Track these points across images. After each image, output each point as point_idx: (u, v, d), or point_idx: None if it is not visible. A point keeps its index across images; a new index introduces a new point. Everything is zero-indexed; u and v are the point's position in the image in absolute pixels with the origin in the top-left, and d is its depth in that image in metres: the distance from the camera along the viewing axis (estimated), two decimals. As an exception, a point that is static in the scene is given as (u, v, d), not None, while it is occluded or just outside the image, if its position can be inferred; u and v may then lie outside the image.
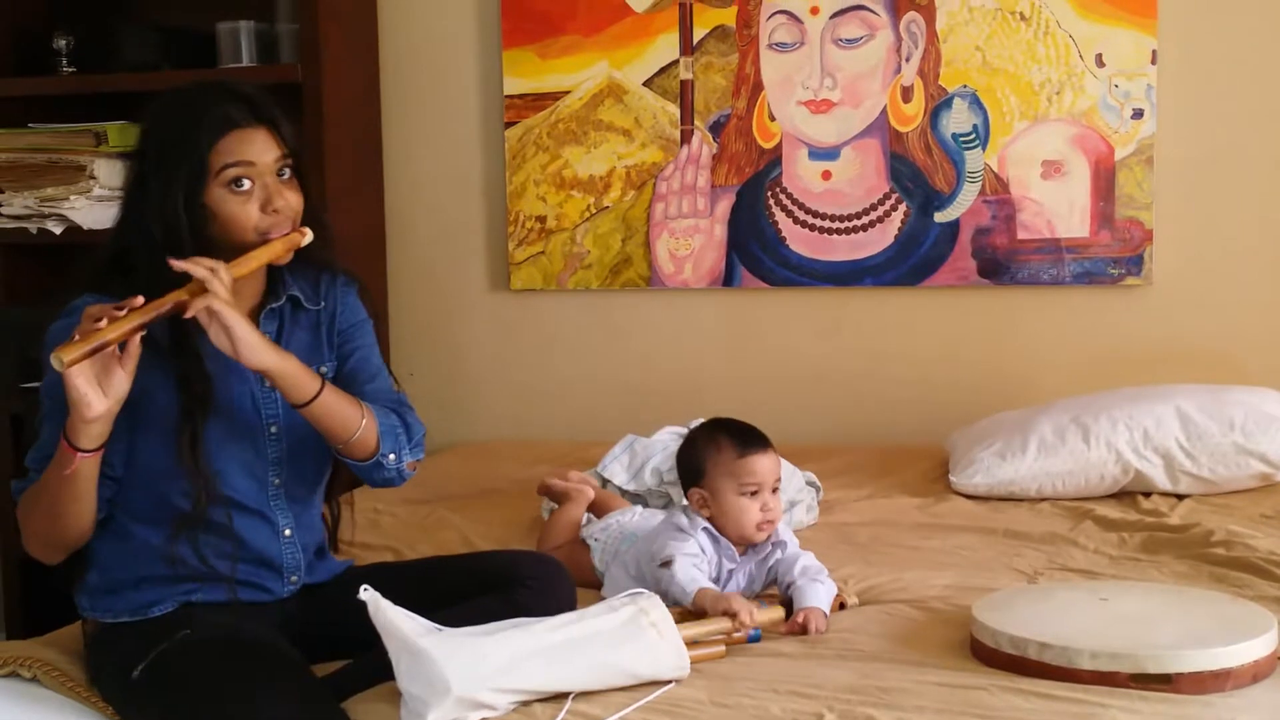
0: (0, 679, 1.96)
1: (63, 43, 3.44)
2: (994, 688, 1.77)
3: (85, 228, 3.23)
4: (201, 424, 1.91)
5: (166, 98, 1.97)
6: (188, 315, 1.83)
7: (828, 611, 2.10)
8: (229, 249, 1.91)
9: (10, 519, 3.35)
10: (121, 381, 1.80)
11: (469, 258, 3.67)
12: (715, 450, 2.19)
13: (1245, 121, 3.22)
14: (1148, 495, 2.81)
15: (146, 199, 1.90)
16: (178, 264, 1.83)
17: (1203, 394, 2.90)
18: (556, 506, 2.67)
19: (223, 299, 1.84)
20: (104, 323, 1.77)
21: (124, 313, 1.79)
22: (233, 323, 1.84)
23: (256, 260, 1.91)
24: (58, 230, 3.26)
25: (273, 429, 2.00)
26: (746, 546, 2.20)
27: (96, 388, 1.78)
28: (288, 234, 1.94)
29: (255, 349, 1.87)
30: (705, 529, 2.18)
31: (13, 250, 3.40)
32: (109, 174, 3.23)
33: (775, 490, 2.20)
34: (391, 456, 2.01)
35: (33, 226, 3.28)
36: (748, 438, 2.21)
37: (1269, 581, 2.19)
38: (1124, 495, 2.83)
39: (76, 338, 1.76)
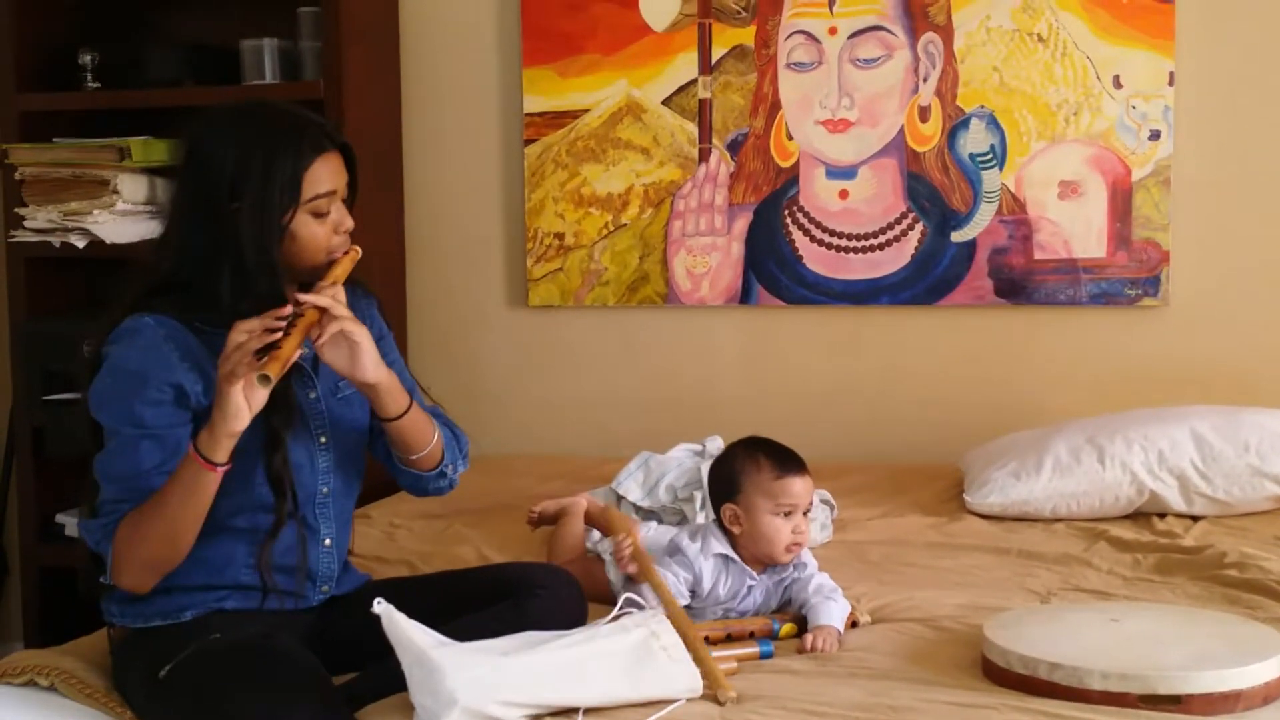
0: (18, 687, 1.98)
1: (88, 59, 3.47)
2: (1004, 707, 1.78)
3: (108, 242, 3.26)
4: (286, 433, 1.94)
5: (237, 119, 1.97)
6: (323, 337, 1.90)
7: (841, 629, 2.11)
8: (300, 269, 1.97)
9: (31, 532, 3.44)
10: (263, 395, 1.84)
11: (487, 274, 3.69)
12: (754, 468, 2.22)
13: (1263, 143, 3.22)
14: (1162, 516, 2.80)
15: (229, 221, 1.90)
16: (305, 298, 1.89)
17: (1218, 416, 2.90)
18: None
19: (348, 317, 1.91)
20: (280, 336, 1.84)
21: (285, 325, 1.85)
22: (361, 339, 1.93)
23: (339, 280, 1.97)
24: (80, 244, 3.29)
25: (322, 439, 2.04)
26: (765, 565, 2.21)
27: (247, 401, 1.82)
28: (347, 253, 2.00)
29: (376, 365, 1.97)
30: (718, 555, 2.19)
31: (35, 263, 3.43)
32: (132, 189, 3.26)
33: (806, 514, 2.22)
34: (450, 467, 2.12)
35: (56, 240, 3.31)
36: (787, 459, 2.24)
37: (1282, 604, 2.19)
38: (1138, 516, 2.82)
39: (265, 359, 1.81)
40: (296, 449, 2.00)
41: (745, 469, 2.23)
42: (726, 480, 2.25)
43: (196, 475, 1.85)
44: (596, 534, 2.60)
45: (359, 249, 2.02)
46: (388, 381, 2.00)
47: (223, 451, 1.85)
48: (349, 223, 2.00)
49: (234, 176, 1.91)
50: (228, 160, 1.92)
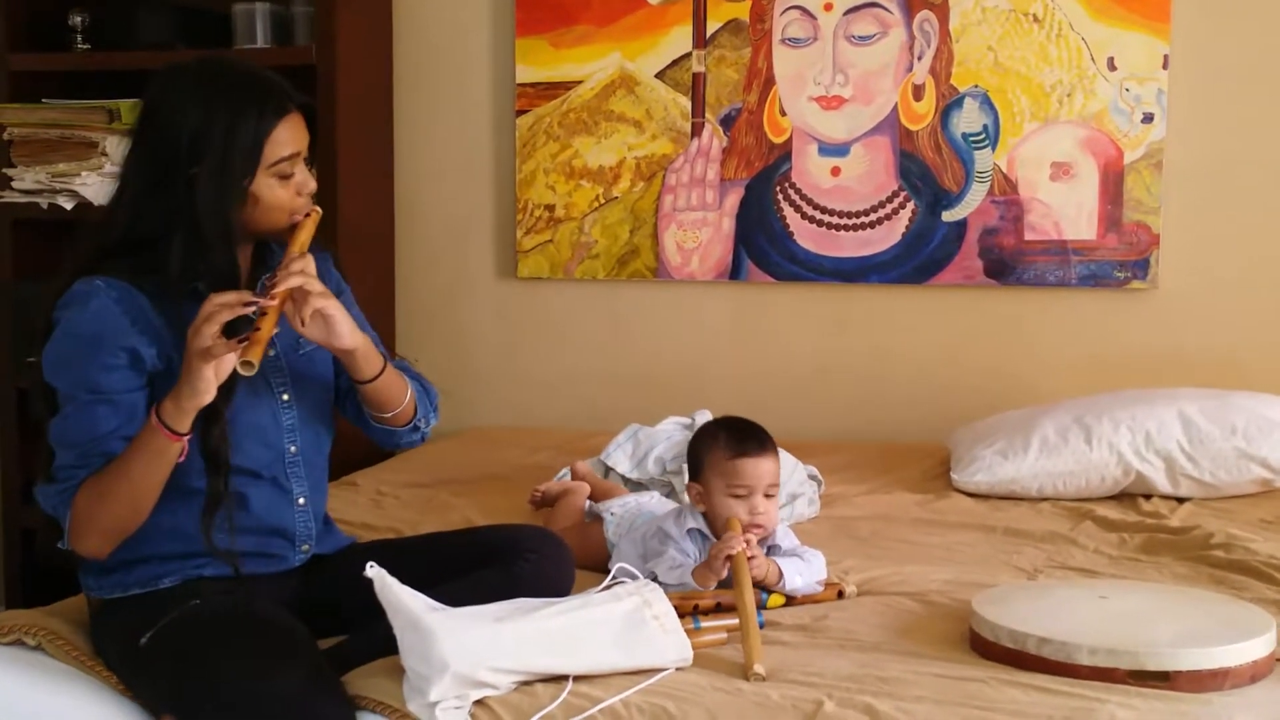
0: (4, 646, 1.97)
1: (78, 20, 3.45)
2: (993, 680, 1.78)
3: (96, 204, 3.23)
4: (225, 408, 1.91)
5: (198, 79, 1.93)
6: (304, 323, 1.90)
7: (787, 579, 2.12)
8: (261, 232, 1.96)
9: (13, 494, 3.42)
10: (229, 366, 1.82)
11: (477, 244, 3.67)
12: (712, 448, 2.21)
13: (1255, 128, 3.23)
14: (1148, 498, 2.82)
15: (187, 185, 1.87)
16: (281, 288, 1.86)
17: (1205, 398, 2.91)
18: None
19: (321, 291, 1.90)
20: (257, 314, 1.82)
21: (272, 301, 1.84)
22: (334, 311, 1.92)
23: (303, 244, 1.95)
24: (68, 206, 3.27)
25: (284, 397, 2.02)
26: None
27: (215, 375, 1.82)
28: (308, 214, 1.97)
29: (352, 331, 1.95)
30: (691, 531, 2.21)
31: (23, 225, 3.41)
32: (121, 151, 3.24)
33: (770, 495, 2.18)
34: (423, 421, 2.11)
35: (43, 201, 3.29)
36: (744, 440, 2.21)
37: (1268, 585, 2.20)
38: (1124, 497, 2.84)
39: (245, 343, 1.80)
40: (259, 408, 1.98)
41: (706, 447, 2.22)
42: (693, 458, 2.26)
43: (160, 445, 1.83)
44: (589, 504, 2.61)
45: (319, 210, 1.99)
46: (364, 346, 1.98)
47: (187, 422, 1.83)
48: (312, 184, 1.97)
49: (194, 139, 1.88)
50: (188, 122, 1.88)
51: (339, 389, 2.12)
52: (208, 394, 1.81)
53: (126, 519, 1.88)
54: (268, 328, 1.84)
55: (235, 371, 1.83)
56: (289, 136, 1.92)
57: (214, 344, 1.79)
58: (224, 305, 1.81)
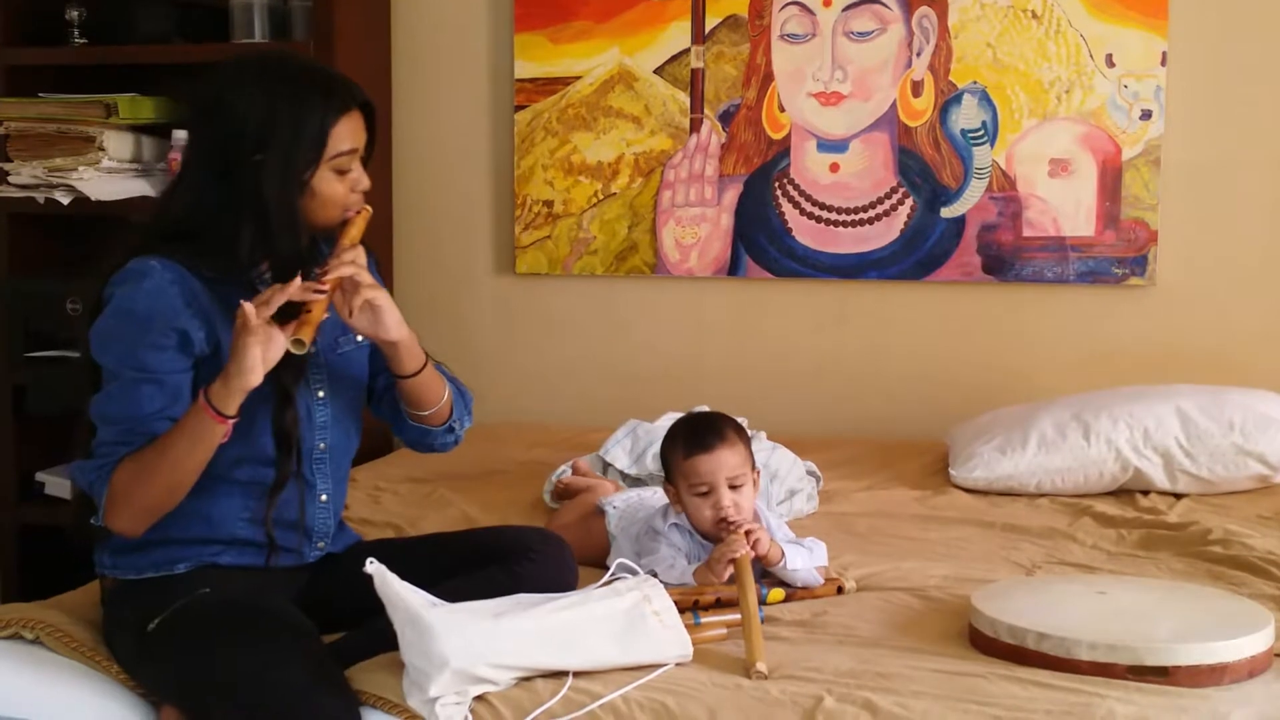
0: (3, 640, 1.97)
1: (75, 14, 3.43)
2: (992, 676, 1.79)
3: (93, 199, 3.23)
4: (295, 390, 1.94)
5: (265, 71, 1.95)
6: (353, 313, 1.94)
7: (789, 559, 2.13)
8: (317, 226, 1.98)
9: (11, 491, 3.41)
10: (279, 349, 1.85)
11: (475, 240, 3.67)
12: (671, 450, 2.25)
13: (1253, 125, 3.23)
14: (1146, 494, 2.83)
15: (250, 173, 1.89)
16: (332, 275, 1.90)
17: (1203, 394, 2.92)
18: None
19: (371, 283, 1.94)
20: (310, 297, 1.86)
21: (324, 287, 1.88)
22: (383, 302, 1.96)
23: (354, 239, 1.98)
24: (65, 200, 3.26)
25: (320, 394, 2.03)
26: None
27: (263, 357, 1.83)
28: (359, 212, 2.00)
29: (398, 324, 1.99)
30: (675, 525, 2.23)
31: (19, 220, 3.40)
32: (118, 146, 3.24)
33: (737, 486, 2.19)
34: (458, 423, 2.14)
35: (40, 196, 3.28)
36: (697, 438, 2.22)
37: (1266, 580, 2.21)
38: (1122, 493, 2.84)
39: (296, 323, 1.84)
40: (297, 404, 1.99)
41: (667, 450, 2.26)
42: (662, 461, 2.29)
43: (206, 426, 1.85)
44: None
45: (370, 208, 2.03)
46: (409, 340, 2.02)
47: (234, 405, 1.85)
48: (366, 182, 2.01)
49: (260, 128, 1.90)
50: (254, 111, 1.91)
51: (375, 389, 2.15)
52: (254, 374, 1.83)
53: (163, 498, 1.89)
54: (318, 310, 1.87)
55: (291, 354, 1.86)
56: (349, 132, 1.95)
57: (253, 319, 1.81)
58: (284, 292, 1.84)
